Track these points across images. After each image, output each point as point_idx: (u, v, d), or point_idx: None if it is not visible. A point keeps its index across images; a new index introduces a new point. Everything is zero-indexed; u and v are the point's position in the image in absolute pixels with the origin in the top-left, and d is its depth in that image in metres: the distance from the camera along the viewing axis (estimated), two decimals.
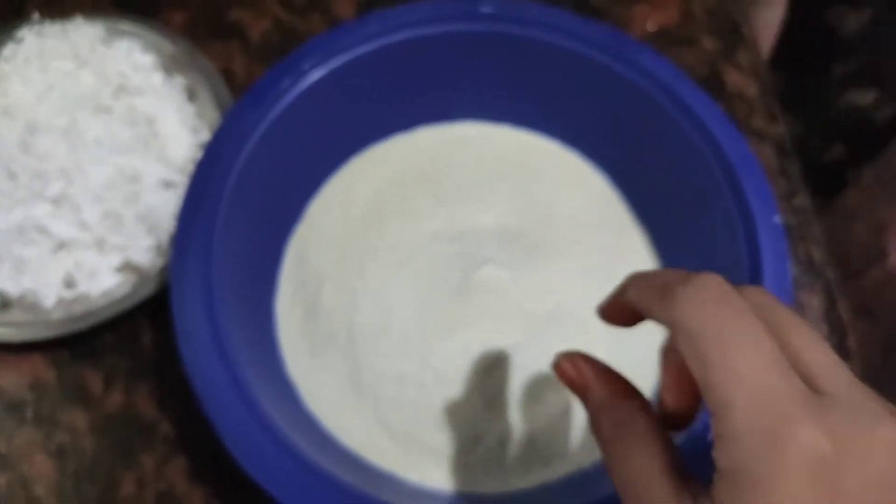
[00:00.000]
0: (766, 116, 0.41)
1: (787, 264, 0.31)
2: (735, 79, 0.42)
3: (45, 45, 0.39)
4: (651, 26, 0.44)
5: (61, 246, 0.35)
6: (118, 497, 0.32)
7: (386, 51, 0.35)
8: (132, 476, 0.32)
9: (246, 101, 0.34)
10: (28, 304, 0.34)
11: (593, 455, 0.32)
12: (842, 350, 0.36)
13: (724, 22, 0.44)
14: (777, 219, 0.32)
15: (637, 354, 0.34)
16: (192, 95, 0.39)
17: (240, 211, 0.32)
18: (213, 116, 0.39)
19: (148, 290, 0.34)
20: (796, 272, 0.37)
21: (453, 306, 0.34)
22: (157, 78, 0.39)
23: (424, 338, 0.34)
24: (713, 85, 0.42)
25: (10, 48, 0.39)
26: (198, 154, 0.37)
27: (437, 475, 0.32)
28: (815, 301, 0.37)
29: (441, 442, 0.32)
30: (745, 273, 0.31)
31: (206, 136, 0.38)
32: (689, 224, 0.35)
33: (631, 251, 0.37)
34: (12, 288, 0.34)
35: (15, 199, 0.35)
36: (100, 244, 0.35)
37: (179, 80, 0.39)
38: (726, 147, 0.33)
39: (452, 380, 0.33)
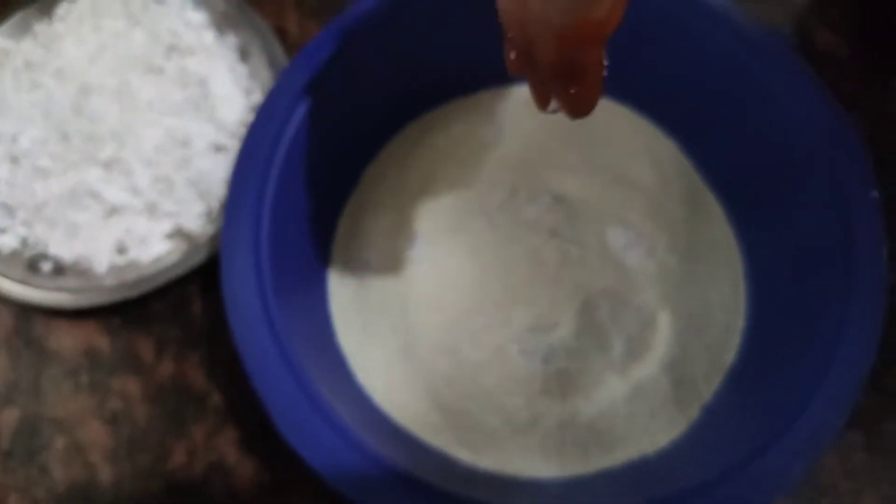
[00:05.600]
0: (859, 80, 0.38)
1: (882, 243, 0.28)
2: (826, 38, 0.39)
3: (98, 3, 0.38)
4: None
5: (112, 211, 0.34)
6: (169, 466, 0.32)
7: (442, 9, 0.33)
8: (183, 446, 0.32)
9: (299, 61, 0.32)
10: (81, 269, 0.34)
11: (656, 442, 0.31)
12: None
13: None
14: (874, 194, 0.29)
15: (704, 336, 0.32)
16: (244, 55, 0.38)
17: (293, 178, 0.31)
18: (266, 77, 0.37)
19: (199, 257, 0.34)
20: (892, 251, 0.34)
21: (512, 280, 0.33)
22: (209, 36, 0.38)
23: (481, 312, 0.32)
24: (801, 44, 0.38)
25: (63, 7, 0.38)
26: (250, 117, 0.36)
27: (490, 456, 0.30)
28: None
29: (496, 422, 0.31)
30: (837, 252, 0.28)
31: (258, 97, 0.37)
32: (772, 198, 0.32)
33: (706, 224, 0.34)
34: (66, 253, 0.34)
35: (68, 162, 0.35)
36: (150, 210, 0.34)
37: (231, 39, 0.38)
38: (816, 113, 0.30)
39: (509, 357, 0.32)
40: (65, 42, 0.37)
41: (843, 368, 0.27)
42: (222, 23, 0.38)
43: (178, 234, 0.34)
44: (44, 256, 0.34)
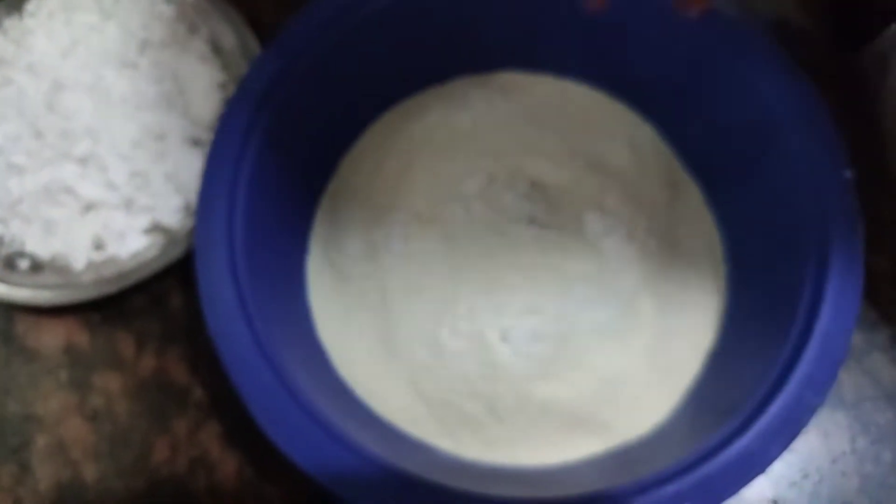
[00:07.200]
0: (834, 59, 0.38)
1: (857, 223, 0.28)
2: (796, 14, 0.38)
3: None
4: None
5: (89, 207, 0.34)
6: (152, 462, 0.32)
7: None
8: (166, 441, 0.32)
9: (271, 51, 0.32)
10: (59, 266, 0.34)
11: (639, 426, 0.31)
12: None
13: None
14: (848, 173, 0.29)
15: (684, 319, 0.32)
16: (217, 48, 0.38)
17: (267, 169, 0.31)
18: (241, 69, 0.37)
19: (177, 251, 0.33)
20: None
21: (491, 267, 0.33)
22: (181, 30, 0.37)
23: (459, 301, 0.32)
24: (772, 22, 0.38)
25: (34, 3, 0.38)
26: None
27: (473, 446, 0.30)
28: (884, 263, 0.34)
29: (478, 411, 0.31)
30: (812, 232, 0.28)
31: (233, 90, 0.36)
32: (748, 179, 0.32)
33: (685, 208, 0.34)
34: (42, 251, 0.34)
35: (42, 159, 0.34)
36: (128, 205, 0.34)
37: (204, 32, 0.38)
38: (790, 92, 0.30)
39: (489, 345, 0.32)
40: (36, 37, 0.37)
41: (820, 349, 0.27)
42: (194, 15, 0.38)
43: (156, 228, 0.34)
44: (20, 254, 0.34)
